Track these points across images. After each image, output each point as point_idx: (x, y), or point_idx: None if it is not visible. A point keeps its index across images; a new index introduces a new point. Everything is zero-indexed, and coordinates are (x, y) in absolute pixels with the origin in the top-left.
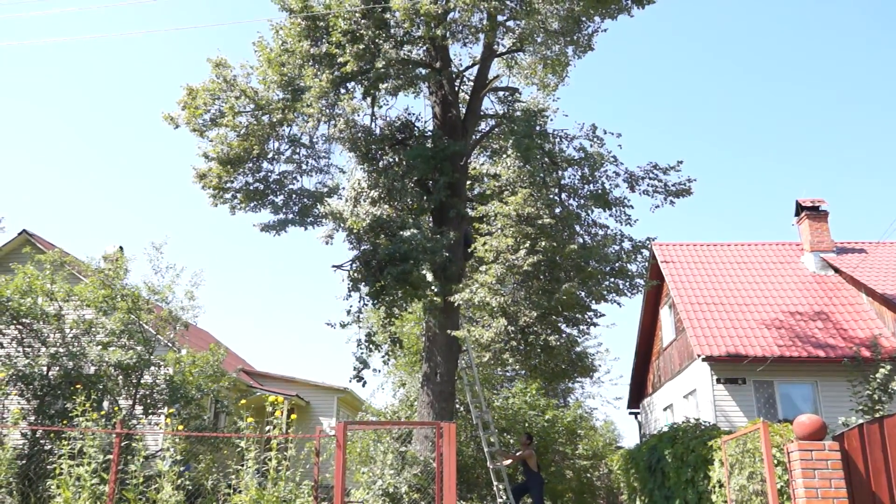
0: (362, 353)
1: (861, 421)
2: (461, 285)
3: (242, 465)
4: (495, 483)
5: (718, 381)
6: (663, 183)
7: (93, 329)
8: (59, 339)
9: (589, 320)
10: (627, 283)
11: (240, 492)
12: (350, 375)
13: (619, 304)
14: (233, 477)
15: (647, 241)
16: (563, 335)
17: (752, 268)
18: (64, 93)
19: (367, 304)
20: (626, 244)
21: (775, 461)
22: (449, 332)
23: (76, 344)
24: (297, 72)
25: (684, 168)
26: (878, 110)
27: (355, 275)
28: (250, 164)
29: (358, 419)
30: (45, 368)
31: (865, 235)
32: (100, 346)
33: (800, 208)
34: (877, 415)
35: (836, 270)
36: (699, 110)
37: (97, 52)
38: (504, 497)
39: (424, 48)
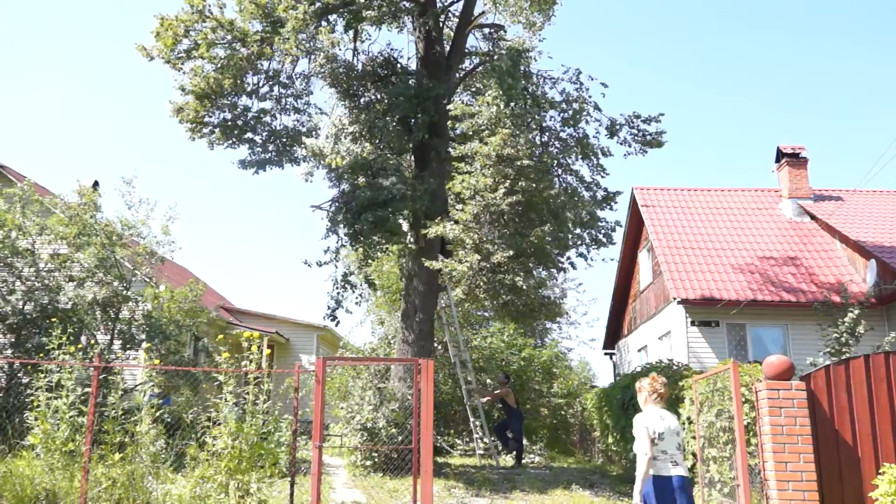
0: (338, 293)
1: (828, 363)
2: (437, 220)
3: (221, 398)
4: (472, 419)
5: (692, 323)
6: (642, 132)
7: (68, 263)
8: (34, 274)
9: (561, 265)
10: (597, 236)
11: (219, 424)
12: (324, 314)
13: (584, 256)
14: (212, 411)
15: (620, 193)
16: (533, 278)
17: (730, 213)
18: (44, 18)
19: (345, 245)
20: (600, 193)
21: (743, 399)
22: (423, 260)
23: (51, 279)
24: (275, 2)
25: (665, 119)
26: (867, 58)
27: (334, 216)
28: (227, 100)
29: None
30: (20, 303)
31: (843, 183)
32: (74, 283)
33: (780, 154)
34: (843, 357)
35: (812, 217)
36: (683, 54)
37: None
38: (480, 432)
39: None
